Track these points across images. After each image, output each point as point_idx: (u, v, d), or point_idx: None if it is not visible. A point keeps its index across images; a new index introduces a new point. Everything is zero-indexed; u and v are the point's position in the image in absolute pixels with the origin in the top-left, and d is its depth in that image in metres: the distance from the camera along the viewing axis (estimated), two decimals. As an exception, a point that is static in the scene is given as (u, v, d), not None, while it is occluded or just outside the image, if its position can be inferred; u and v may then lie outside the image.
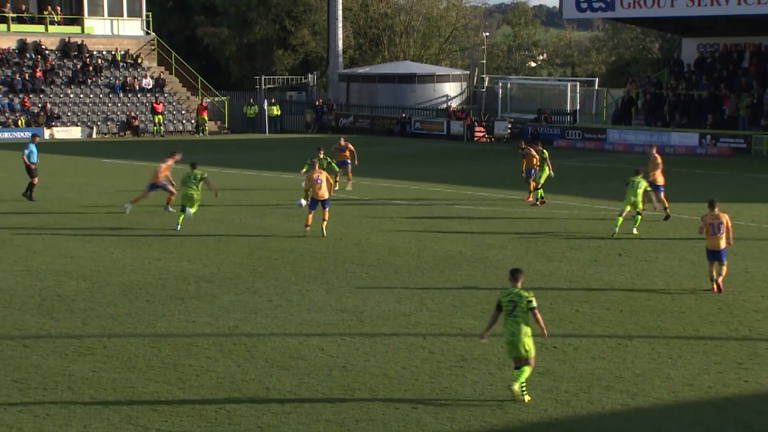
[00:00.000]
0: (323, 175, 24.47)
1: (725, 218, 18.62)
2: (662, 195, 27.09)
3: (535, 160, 30.25)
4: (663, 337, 15.41)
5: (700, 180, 36.31)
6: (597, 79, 68.06)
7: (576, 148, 53.35)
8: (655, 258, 21.73)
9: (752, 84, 52.77)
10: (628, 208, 24.68)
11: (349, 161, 33.87)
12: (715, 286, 18.48)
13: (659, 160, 27.47)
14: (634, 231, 25.03)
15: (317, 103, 66.18)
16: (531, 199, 30.51)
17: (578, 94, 61.99)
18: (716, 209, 18.72)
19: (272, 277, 19.55)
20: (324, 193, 24.32)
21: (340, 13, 68.78)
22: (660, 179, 27.10)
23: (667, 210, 27.16)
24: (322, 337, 15.35)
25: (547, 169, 30.31)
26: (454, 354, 14.47)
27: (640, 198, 24.69)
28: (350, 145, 34.30)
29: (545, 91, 64.92)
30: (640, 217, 25.21)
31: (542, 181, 30.21)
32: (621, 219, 24.72)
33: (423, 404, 12.42)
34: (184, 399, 12.56)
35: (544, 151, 30.51)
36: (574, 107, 61.21)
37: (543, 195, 30.24)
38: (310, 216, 24.45)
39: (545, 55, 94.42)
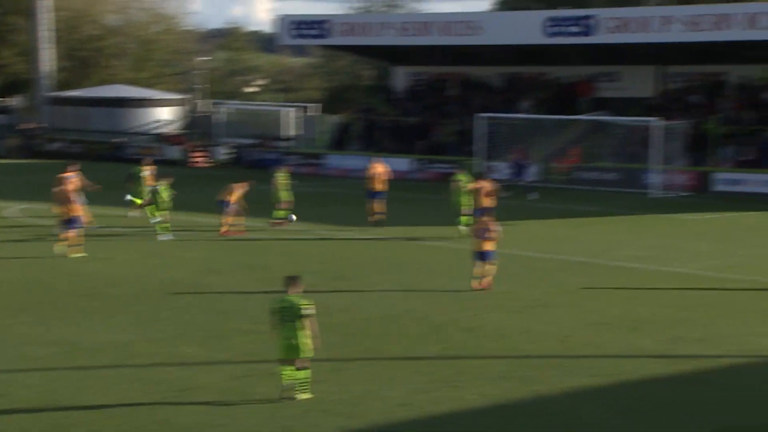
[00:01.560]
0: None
1: (493, 226, 21.53)
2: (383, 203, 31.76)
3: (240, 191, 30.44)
4: (380, 359, 15.88)
5: (413, 204, 37.79)
6: (314, 105, 69.37)
7: (295, 173, 53.98)
8: (372, 281, 22.39)
9: (458, 112, 55.58)
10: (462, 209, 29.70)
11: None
12: (478, 284, 21.27)
13: (378, 169, 32.33)
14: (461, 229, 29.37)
15: (24, 126, 63.29)
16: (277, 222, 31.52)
17: (296, 120, 62.92)
18: (487, 217, 22.08)
19: (-24, 311, 18.48)
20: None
21: (46, 33, 66.22)
22: (379, 186, 31.94)
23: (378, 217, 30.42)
24: (30, 373, 14.67)
25: (284, 191, 31.99)
26: (174, 384, 14.26)
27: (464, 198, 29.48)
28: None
29: (264, 116, 65.39)
30: (465, 218, 29.36)
31: (284, 200, 31.81)
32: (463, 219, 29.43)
33: (141, 438, 12.15)
34: None
35: (280, 175, 32.41)
36: (292, 133, 62.06)
37: (285, 216, 31.65)
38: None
39: (263, 81, 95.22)
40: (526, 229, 31.33)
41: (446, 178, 50.26)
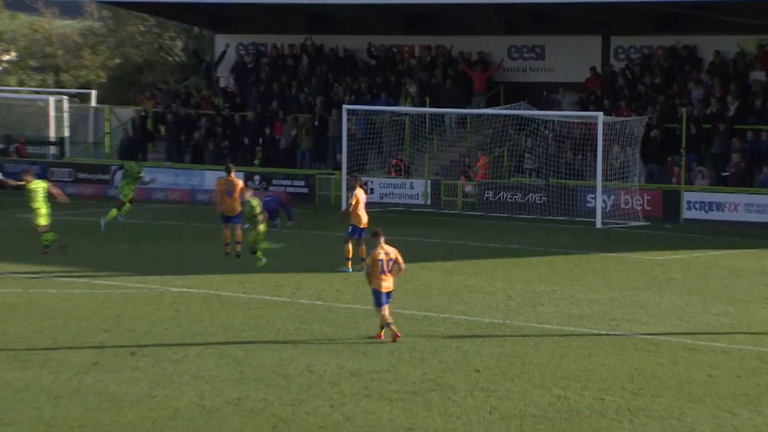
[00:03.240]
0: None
1: (396, 253, 23.15)
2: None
3: None
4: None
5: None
6: (95, 91, 68.68)
7: (68, 194, 53.20)
8: (185, 356, 22.24)
9: (316, 100, 55.61)
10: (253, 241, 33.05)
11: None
12: (389, 334, 23.26)
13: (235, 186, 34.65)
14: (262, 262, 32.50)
15: None
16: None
17: (69, 114, 62.15)
18: (382, 240, 23.22)
19: None
20: None
21: None
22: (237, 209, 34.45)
23: None
24: None
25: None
26: None
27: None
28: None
29: (16, 108, 64.48)
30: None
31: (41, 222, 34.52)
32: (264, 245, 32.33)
33: None
34: None
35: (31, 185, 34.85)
36: (61, 133, 61.27)
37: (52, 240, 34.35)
38: None
39: (13, 54, 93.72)
40: (414, 276, 31.57)
41: (298, 201, 50.58)
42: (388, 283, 23.33)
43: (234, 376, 20.91)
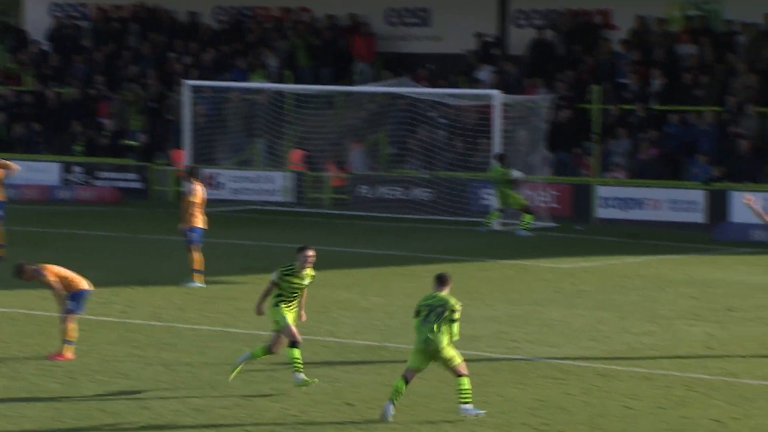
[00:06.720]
0: None
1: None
2: None
3: None
4: None
5: (50, 243, 37.31)
6: None
7: None
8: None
9: (146, 76, 55.02)
10: None
11: None
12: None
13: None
14: None
15: None
16: None
17: None
18: None
19: None
20: None
21: None
22: None
23: None
24: None
25: None
26: None
27: None
28: None
29: None
30: None
31: None
32: None
33: None
34: None
35: None
36: None
37: None
38: None
39: None
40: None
41: (130, 198, 50.15)
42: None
43: (47, 414, 20.75)
